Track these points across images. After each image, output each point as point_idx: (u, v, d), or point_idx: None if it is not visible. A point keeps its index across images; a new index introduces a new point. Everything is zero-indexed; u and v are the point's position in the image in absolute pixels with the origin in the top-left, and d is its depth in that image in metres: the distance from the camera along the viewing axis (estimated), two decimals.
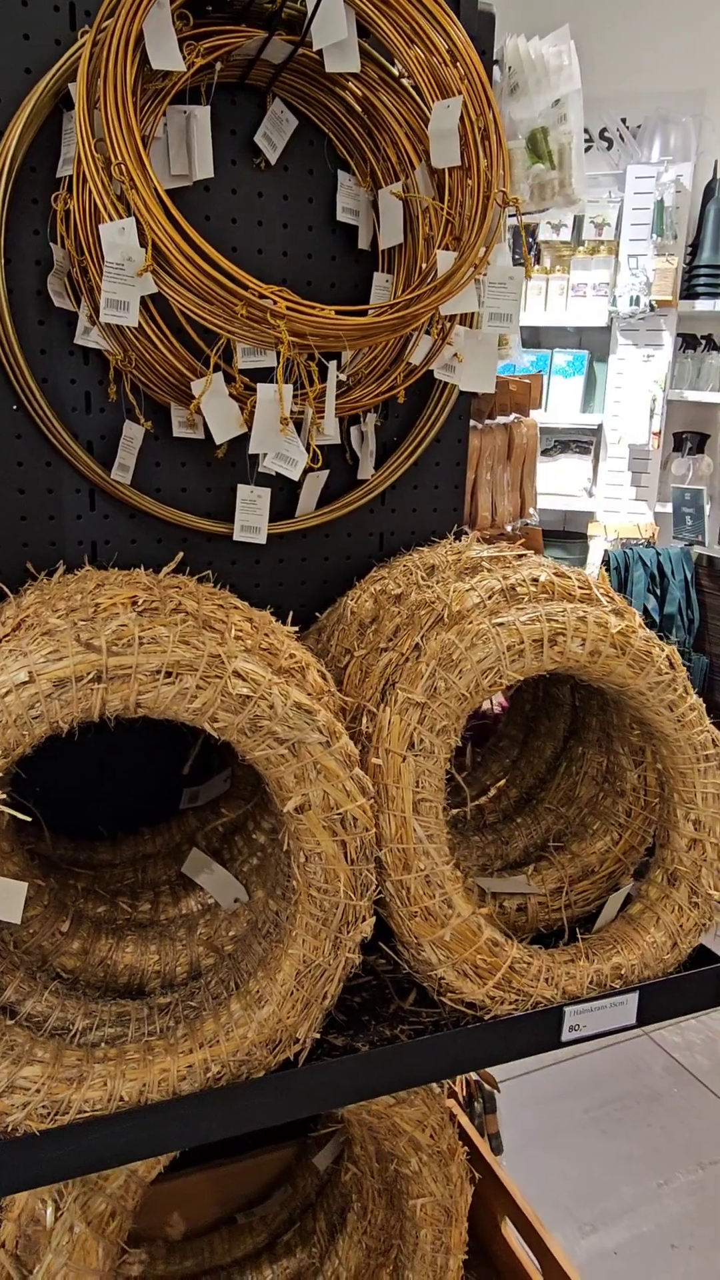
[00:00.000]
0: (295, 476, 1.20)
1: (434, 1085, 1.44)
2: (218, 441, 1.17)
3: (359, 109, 1.28)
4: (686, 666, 3.50)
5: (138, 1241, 1.64)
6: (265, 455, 1.17)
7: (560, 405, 4.51)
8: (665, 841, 1.26)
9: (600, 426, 4.49)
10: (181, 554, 1.22)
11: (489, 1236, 1.73)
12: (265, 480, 1.36)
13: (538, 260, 4.52)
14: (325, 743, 0.99)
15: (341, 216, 1.36)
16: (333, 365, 1.11)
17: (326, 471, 1.41)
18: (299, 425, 1.19)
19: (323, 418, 1.16)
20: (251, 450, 1.15)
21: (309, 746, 0.98)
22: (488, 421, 1.57)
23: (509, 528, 1.61)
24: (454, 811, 1.55)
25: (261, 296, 1.02)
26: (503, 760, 1.64)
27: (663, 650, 1.24)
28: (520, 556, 1.35)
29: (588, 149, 4.64)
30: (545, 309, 4.44)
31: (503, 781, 1.60)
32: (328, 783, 0.99)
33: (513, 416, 1.59)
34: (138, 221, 1.01)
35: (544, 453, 4.68)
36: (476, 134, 1.17)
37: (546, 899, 1.33)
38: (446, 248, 1.18)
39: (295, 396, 1.17)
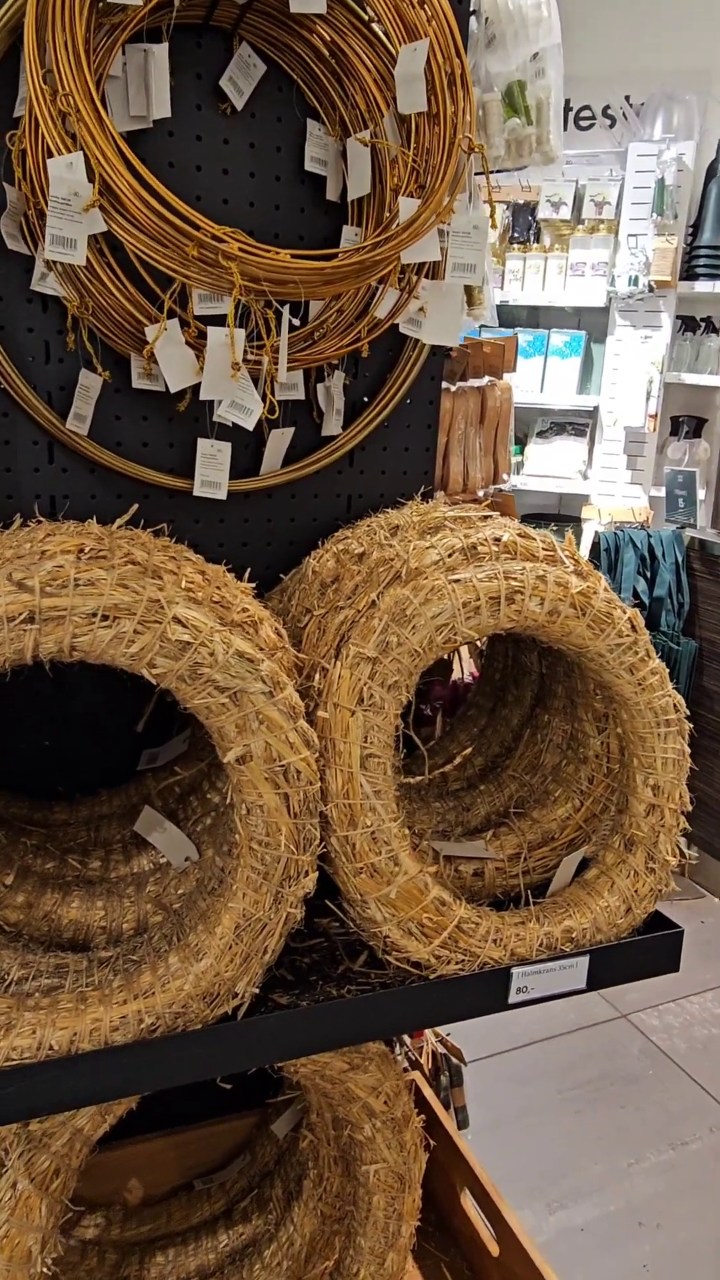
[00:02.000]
0: (250, 426, 1.18)
1: (391, 1053, 1.42)
2: (172, 389, 1.14)
3: (327, 54, 1.25)
4: (675, 650, 3.48)
5: (96, 1206, 1.63)
6: (220, 404, 1.15)
7: (556, 386, 4.47)
8: (624, 807, 1.24)
9: (596, 409, 4.45)
10: (136, 506, 1.20)
11: (449, 1207, 1.72)
12: (229, 435, 1.34)
13: (537, 239, 4.47)
14: (268, 693, 0.97)
15: (310, 166, 1.33)
16: (285, 310, 1.09)
17: (292, 429, 1.39)
18: (256, 377, 1.16)
19: (279, 367, 1.13)
20: (203, 396, 1.13)
21: (251, 696, 0.96)
22: (460, 384, 1.55)
23: (480, 493, 1.59)
24: (417, 779, 1.54)
25: (215, 238, 1.00)
26: (471, 729, 1.62)
27: (624, 613, 1.21)
28: (486, 517, 1.33)
29: (590, 125, 4.59)
30: (543, 288, 4.39)
31: (469, 750, 1.58)
32: (270, 734, 0.97)
33: (486, 379, 1.56)
34: (86, 156, 0.98)
35: (539, 434, 4.64)
36: (444, 79, 1.14)
37: (505, 864, 1.32)
38: (411, 195, 1.16)
39: (253, 347, 1.14)
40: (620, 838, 1.23)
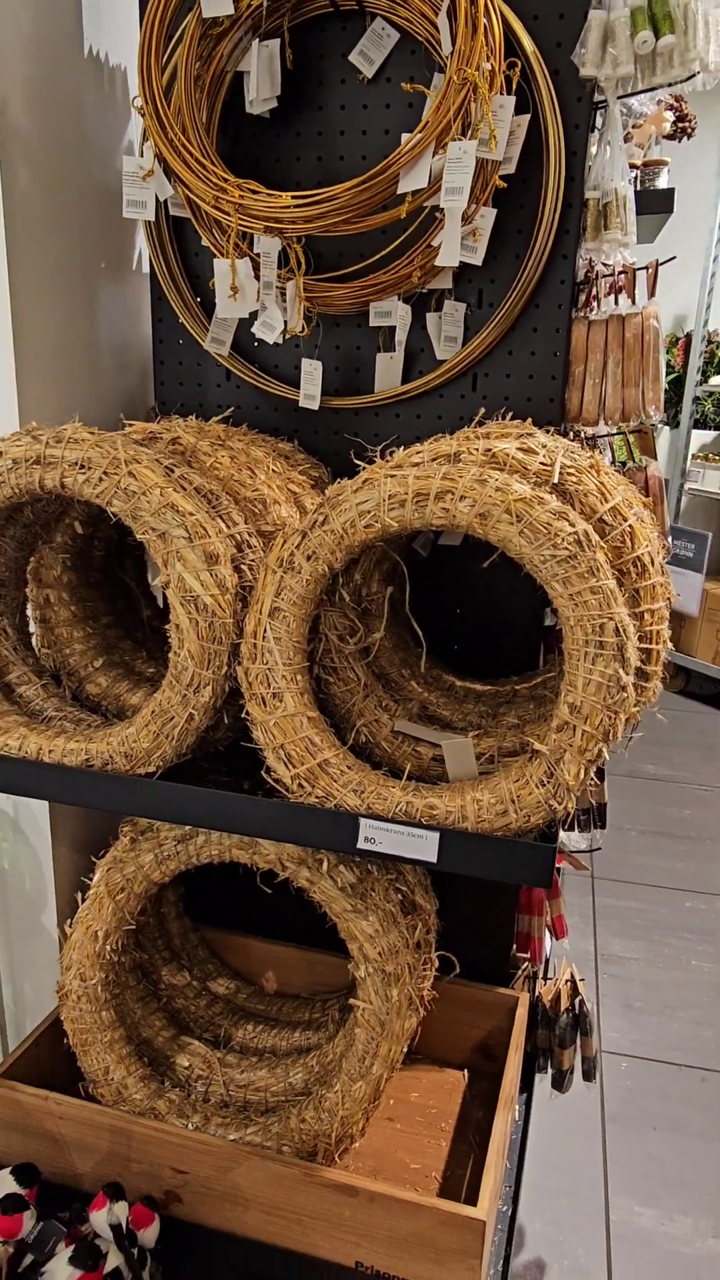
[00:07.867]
0: (271, 340, 1.44)
1: (401, 918, 1.59)
2: (221, 315, 1.45)
3: (433, 10, 1.41)
4: None
5: (238, 976, 2.07)
6: (255, 321, 1.43)
7: None
8: (546, 719, 1.24)
9: None
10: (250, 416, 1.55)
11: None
12: (353, 361, 1.60)
13: None
14: (187, 538, 1.27)
15: (427, 115, 1.49)
16: (276, 241, 1.31)
17: (398, 354, 1.59)
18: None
19: (308, 295, 1.37)
20: (218, 315, 1.42)
21: (173, 538, 1.27)
22: (597, 311, 1.53)
23: (605, 425, 1.56)
24: (484, 685, 1.62)
25: (220, 189, 1.29)
26: None
27: (573, 527, 1.21)
28: (525, 434, 1.39)
29: None
30: None
31: (554, 672, 1.60)
32: (185, 569, 1.27)
33: (625, 304, 1.52)
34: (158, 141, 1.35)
35: None
36: (464, 15, 1.24)
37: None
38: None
39: (284, 274, 1.39)
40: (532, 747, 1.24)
